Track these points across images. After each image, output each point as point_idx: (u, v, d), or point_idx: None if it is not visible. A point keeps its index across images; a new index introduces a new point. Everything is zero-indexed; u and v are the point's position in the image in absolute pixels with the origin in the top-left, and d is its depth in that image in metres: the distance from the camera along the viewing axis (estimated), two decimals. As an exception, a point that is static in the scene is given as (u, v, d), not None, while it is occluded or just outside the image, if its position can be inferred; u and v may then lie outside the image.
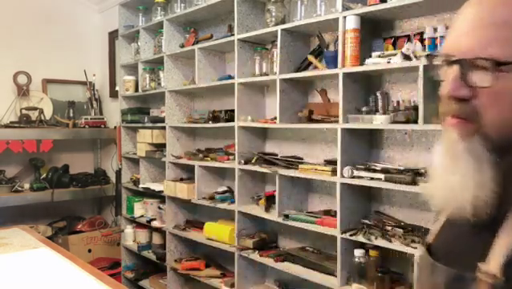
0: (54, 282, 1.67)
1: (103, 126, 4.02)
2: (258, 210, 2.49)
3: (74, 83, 4.20)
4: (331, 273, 2.08)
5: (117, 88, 3.90)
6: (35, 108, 3.80)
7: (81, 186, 3.82)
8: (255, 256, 2.46)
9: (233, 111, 2.67)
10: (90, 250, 3.58)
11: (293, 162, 2.33)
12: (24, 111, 3.76)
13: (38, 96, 3.94)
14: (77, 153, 4.19)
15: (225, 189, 2.84)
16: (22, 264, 1.87)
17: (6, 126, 3.58)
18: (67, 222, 3.80)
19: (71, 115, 4.03)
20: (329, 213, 2.22)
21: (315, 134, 2.42)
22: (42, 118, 3.81)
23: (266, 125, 2.48)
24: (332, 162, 2.13)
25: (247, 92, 2.62)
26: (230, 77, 2.72)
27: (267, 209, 2.44)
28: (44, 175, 3.79)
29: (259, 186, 2.67)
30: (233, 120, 2.63)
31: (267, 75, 2.47)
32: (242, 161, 2.55)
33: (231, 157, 2.72)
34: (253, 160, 2.53)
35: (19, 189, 3.58)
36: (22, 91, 3.84)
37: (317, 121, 2.22)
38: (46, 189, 3.65)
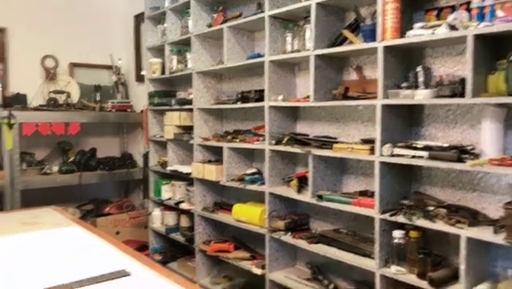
0: (89, 257, 1.66)
1: (129, 110, 4.01)
2: (289, 192, 2.44)
3: (100, 67, 4.19)
4: (369, 255, 2.02)
5: (143, 72, 3.88)
6: (63, 92, 3.82)
7: (108, 170, 3.82)
8: (287, 238, 2.41)
9: (262, 91, 2.61)
10: (118, 233, 3.59)
11: (327, 142, 2.26)
12: (52, 95, 3.78)
13: (65, 80, 3.95)
14: (103, 137, 4.20)
15: (254, 170, 2.79)
16: (57, 241, 1.86)
17: (35, 109, 3.60)
18: (95, 205, 3.82)
19: (98, 99, 4.04)
20: (365, 193, 2.14)
21: (350, 113, 2.33)
22: (70, 102, 3.82)
23: (297, 104, 2.42)
24: (369, 141, 2.05)
25: (278, 71, 2.55)
26: (260, 56, 2.65)
27: (299, 190, 2.38)
28: (72, 158, 3.81)
29: (290, 167, 2.61)
30: (262, 100, 2.57)
31: (299, 51, 2.39)
32: (273, 142, 2.50)
33: (260, 139, 2.67)
34: (284, 141, 2.46)
35: (48, 171, 3.61)
36: (50, 75, 3.86)
37: (353, 99, 2.14)
38: (74, 172, 3.67)
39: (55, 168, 3.66)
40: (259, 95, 2.64)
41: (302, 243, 2.32)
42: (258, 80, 2.87)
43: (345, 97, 2.18)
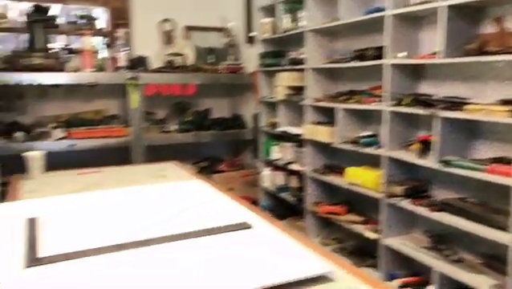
0: (212, 208, 1.73)
1: (240, 71, 4.08)
2: (409, 156, 2.30)
3: (213, 29, 4.30)
4: (503, 227, 1.83)
5: (253, 34, 3.89)
6: (179, 54, 4.00)
7: (221, 129, 3.98)
8: (405, 204, 2.29)
9: (381, 48, 2.45)
10: (231, 189, 3.75)
11: (456, 103, 2.06)
12: (169, 57, 3.98)
13: (181, 43, 4.13)
14: (216, 98, 4.35)
15: (370, 133, 2.68)
16: (182, 192, 1.98)
17: (156, 71, 3.83)
18: (209, 163, 4.02)
19: (211, 61, 4.16)
20: (501, 160, 1.93)
21: (486, 71, 2.09)
22: (185, 64, 3.99)
23: (423, 61, 2.23)
24: (509, 102, 1.82)
25: (400, 26, 2.36)
26: (379, 10, 2.48)
27: (421, 155, 2.23)
28: (188, 118, 4.02)
29: (410, 131, 2.46)
30: (381, 58, 2.42)
31: (429, 2, 2.18)
32: (393, 103, 2.35)
33: (377, 99, 2.53)
34: (405, 102, 2.30)
35: (167, 130, 3.86)
36: (168, 38, 4.05)
37: (491, 54, 1.90)
38: (190, 131, 3.87)
39: (174, 127, 3.90)
40: (378, 53, 2.49)
41: (423, 210, 2.19)
42: (376, 37, 2.69)
43: (481, 52, 1.95)
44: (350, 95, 2.79)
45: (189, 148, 3.87)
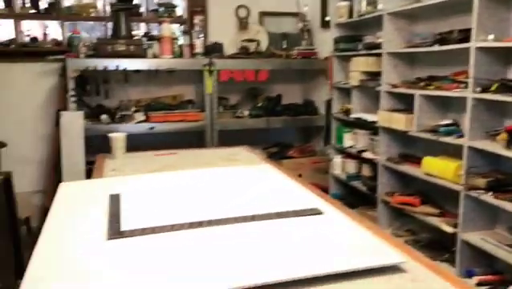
0: (282, 193, 1.75)
1: (313, 57, 4.03)
2: (494, 147, 2.14)
3: (287, 14, 4.27)
4: None
5: (328, 18, 3.81)
6: (253, 40, 4.03)
7: (292, 115, 3.97)
8: (487, 197, 2.15)
9: (467, 30, 2.29)
10: (300, 175, 3.75)
11: (552, 89, 1.88)
12: (243, 43, 4.03)
13: (255, 29, 4.16)
14: (288, 84, 4.35)
15: (450, 121, 2.53)
16: (252, 175, 2.02)
17: (230, 57, 3.90)
18: (279, 148, 4.05)
19: (284, 46, 4.15)
20: None
21: None
22: (259, 50, 4.02)
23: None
24: None
25: (487, 6, 2.19)
26: (467, -10, 2.31)
27: (508, 145, 2.07)
28: (260, 103, 4.06)
29: (496, 119, 2.28)
30: (467, 41, 2.26)
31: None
32: (478, 89, 2.19)
33: (460, 86, 2.38)
34: (493, 88, 2.14)
35: (240, 115, 3.93)
36: (242, 24, 4.10)
37: None
38: (262, 117, 3.91)
39: (246, 113, 3.96)
40: (463, 36, 2.33)
41: (507, 205, 2.04)
42: (461, 18, 2.52)
43: None
44: (430, 80, 2.65)
45: (260, 134, 3.92)
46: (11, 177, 2.85)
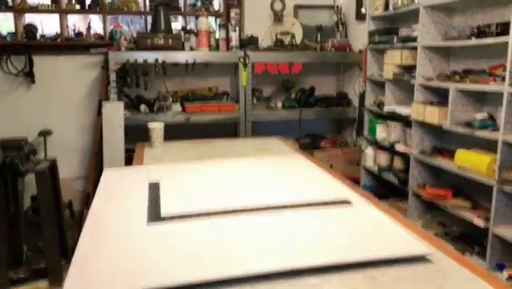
0: (312, 182, 1.81)
1: (348, 49, 4.03)
2: (529, 141, 2.12)
3: (322, 7, 4.29)
4: None
5: (363, 10, 3.80)
6: (288, 33, 4.07)
7: (325, 107, 4.00)
8: (521, 192, 2.13)
9: (506, 24, 2.25)
10: (331, 166, 3.79)
11: None
12: (278, 36, 4.08)
13: (290, 22, 4.20)
14: (321, 76, 4.37)
15: (485, 115, 2.51)
16: (284, 165, 2.08)
17: (264, 50, 3.96)
18: (311, 139, 4.09)
19: (319, 39, 4.16)
20: None
21: None
22: (294, 42, 4.06)
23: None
24: None
25: (529, -1, 2.15)
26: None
27: (544, 140, 2.04)
28: (293, 95, 4.11)
29: (533, 114, 2.25)
30: (506, 34, 2.23)
31: None
32: (514, 83, 2.17)
33: (498, 79, 2.35)
34: (529, 82, 2.11)
35: (273, 106, 3.99)
36: (277, 17, 4.14)
37: None
38: (295, 108, 3.96)
39: (279, 104, 4.02)
40: (502, 29, 2.29)
41: (541, 201, 2.02)
42: (499, 11, 2.48)
43: None
44: (465, 74, 2.62)
45: (293, 125, 3.98)
46: (56, 163, 3.04)
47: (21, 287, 2.75)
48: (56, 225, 2.88)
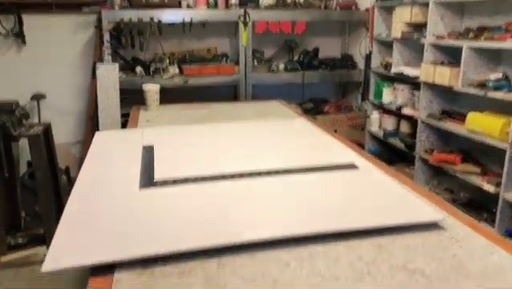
0: (318, 147, 1.71)
1: (354, 8, 3.83)
2: (547, 102, 1.99)
3: (326, -38, 4.04)
4: None
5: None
6: (290, -10, 3.85)
7: (329, 70, 3.84)
8: (536, 157, 2.03)
9: (526, -25, 2.08)
10: (335, 131, 3.67)
11: None
12: (280, -6, 3.86)
13: (292, -22, 3.96)
14: (326, 37, 4.18)
15: (500, 76, 2.36)
16: (287, 129, 1.98)
17: (266, 8, 3.76)
18: (314, 104, 3.95)
19: (323, -4, 3.95)
20: None
21: None
22: (297, 1, 3.85)
23: None
24: None
25: None
26: None
27: None
28: (296, 57, 3.94)
29: (552, 73, 2.11)
30: (525, -13, 2.06)
31: None
32: (534, 39, 2.02)
33: (514, 36, 2.20)
34: (551, 38, 1.96)
35: (274, 69, 3.83)
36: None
37: None
38: (298, 71, 3.80)
39: (281, 66, 3.86)
40: (521, -19, 2.12)
41: (558, 165, 1.92)
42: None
43: None
44: (479, 31, 2.46)
45: (295, 88, 3.83)
46: (50, 127, 2.93)
47: (19, 253, 2.71)
48: (53, 191, 2.81)
